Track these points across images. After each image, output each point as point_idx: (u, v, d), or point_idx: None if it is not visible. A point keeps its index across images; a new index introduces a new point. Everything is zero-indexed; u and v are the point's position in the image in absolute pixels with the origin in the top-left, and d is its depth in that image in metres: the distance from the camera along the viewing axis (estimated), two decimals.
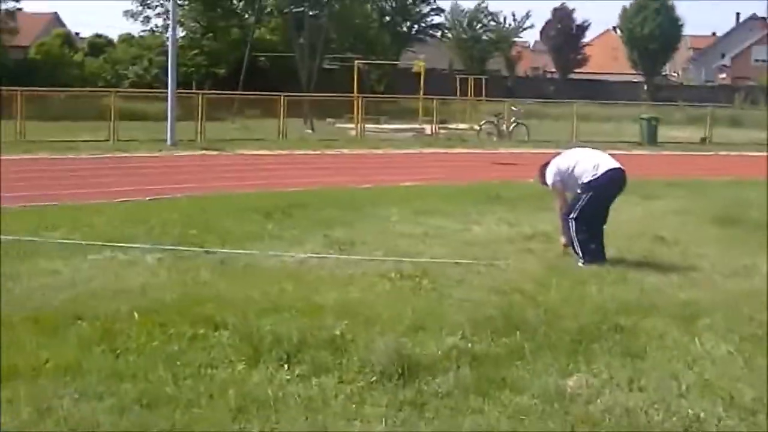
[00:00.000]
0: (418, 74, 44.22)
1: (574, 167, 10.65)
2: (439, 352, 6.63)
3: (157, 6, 61.13)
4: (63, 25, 79.32)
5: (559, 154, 11.18)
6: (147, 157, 26.66)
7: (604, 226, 10.73)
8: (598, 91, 63.70)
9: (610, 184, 10.61)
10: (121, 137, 31.17)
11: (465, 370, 6.27)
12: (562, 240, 10.88)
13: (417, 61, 51.17)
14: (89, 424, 5.27)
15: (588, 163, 10.64)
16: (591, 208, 10.51)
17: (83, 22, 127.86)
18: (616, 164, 10.73)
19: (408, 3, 72.10)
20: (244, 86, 47.72)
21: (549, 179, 10.91)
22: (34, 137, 29.73)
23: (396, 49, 69.06)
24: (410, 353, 6.51)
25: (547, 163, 11.03)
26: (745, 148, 34.78)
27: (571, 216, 10.53)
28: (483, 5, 77.26)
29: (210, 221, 13.10)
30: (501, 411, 5.59)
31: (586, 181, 10.50)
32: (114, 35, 66.69)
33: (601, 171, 10.52)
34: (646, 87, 73.22)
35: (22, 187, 17.94)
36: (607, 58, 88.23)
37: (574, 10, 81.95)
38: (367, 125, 38.32)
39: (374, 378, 6.11)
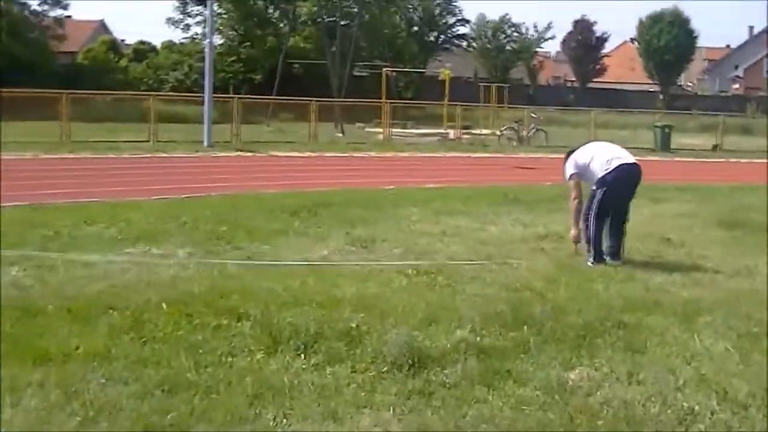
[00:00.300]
0: (444, 82, 44.15)
1: (591, 162, 10.59)
2: (449, 345, 6.62)
3: (197, 15, 61.56)
4: (109, 32, 79.72)
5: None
6: (184, 158, 26.79)
7: (627, 225, 10.65)
8: (616, 99, 63.42)
9: (624, 178, 10.48)
10: (161, 138, 31.34)
11: (472, 361, 6.26)
12: (572, 233, 10.81)
13: (443, 69, 51.06)
14: (113, 407, 5.29)
15: (603, 157, 10.56)
16: (607, 204, 10.43)
17: (128, 30, 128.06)
18: (630, 158, 10.64)
19: (435, 14, 72.09)
20: (279, 92, 47.80)
21: (566, 172, 10.86)
22: (79, 137, 29.93)
23: (423, 58, 69.11)
24: (421, 345, 6.51)
25: (570, 156, 10.98)
26: (754, 155, 34.52)
27: (588, 213, 10.47)
28: (507, 17, 77.18)
29: (240, 218, 13.13)
30: (504, 401, 5.58)
31: (600, 176, 10.45)
32: (157, 42, 67.02)
33: (614, 165, 10.45)
34: (661, 96, 72.88)
35: (65, 185, 18.08)
36: (624, 68, 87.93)
37: (595, 22, 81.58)
38: (393, 130, 38.39)
39: (385, 368, 6.10)
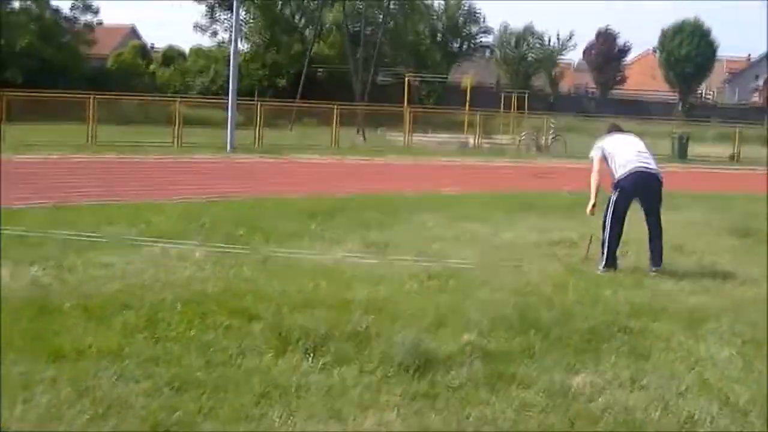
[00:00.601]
0: (466, 89, 44.11)
1: (615, 155, 10.56)
2: (455, 348, 6.62)
3: (224, 21, 61.79)
4: (139, 37, 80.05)
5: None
6: (207, 161, 26.87)
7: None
8: (636, 108, 63.16)
9: (639, 184, 10.42)
10: (186, 141, 31.47)
11: (477, 365, 6.26)
12: (589, 206, 10.69)
13: (465, 77, 51.11)
14: (123, 404, 5.31)
15: (624, 157, 10.50)
16: (621, 209, 10.40)
17: (159, 35, 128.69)
18: (648, 165, 10.52)
19: (459, 22, 71.97)
20: (302, 96, 47.85)
21: (593, 149, 10.84)
22: (105, 139, 30.09)
23: (446, 66, 68.99)
24: (428, 348, 6.51)
25: (606, 136, 10.94)
26: None
27: (606, 217, 10.45)
28: (530, 26, 76.98)
29: (258, 221, 13.15)
30: (507, 404, 5.58)
31: (616, 178, 10.43)
32: (186, 47, 67.25)
33: (629, 170, 10.40)
34: (681, 106, 72.53)
35: (87, 185, 18.18)
36: (645, 77, 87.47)
37: (618, 34, 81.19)
38: (414, 136, 38.38)
39: (392, 370, 6.11)
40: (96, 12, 58.82)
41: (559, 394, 5.77)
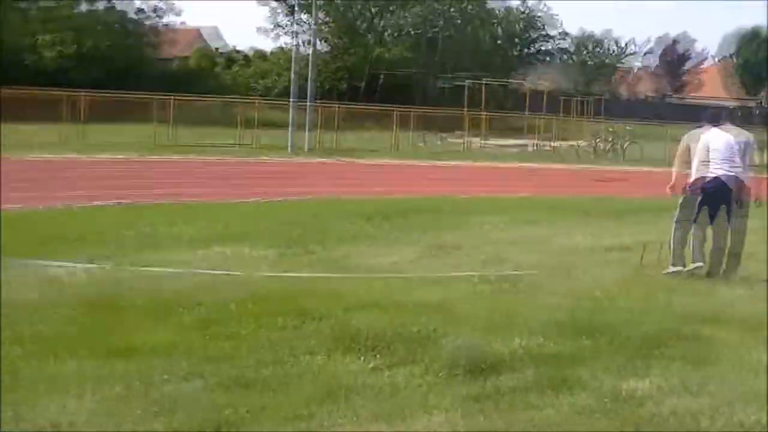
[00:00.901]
0: (525, 94, 43.91)
1: (705, 152, 10.24)
2: (508, 352, 6.54)
3: (288, 24, 62.10)
4: (204, 40, 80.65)
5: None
6: (270, 163, 27.04)
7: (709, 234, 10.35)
8: (699, 114, 62.11)
9: (713, 193, 10.17)
10: (248, 143, 31.67)
11: (529, 369, 6.16)
12: (669, 186, 10.59)
13: (527, 82, 50.92)
14: (170, 402, 5.28)
15: (711, 156, 10.19)
16: (696, 211, 10.19)
17: (224, 38, 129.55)
18: (728, 171, 10.16)
19: (519, 28, 71.68)
20: (366, 100, 47.88)
21: (684, 139, 10.70)
22: (166, 141, 30.42)
23: (506, 71, 68.72)
24: (481, 351, 6.42)
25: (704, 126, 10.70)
26: None
27: (675, 219, 10.30)
28: (590, 32, 76.47)
29: (316, 223, 13.20)
30: (557, 409, 5.48)
31: (693, 178, 10.25)
32: (250, 50, 67.63)
33: (711, 174, 10.14)
34: (752, 112, 71.32)
35: (156, 185, 18.40)
36: (714, 84, 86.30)
37: (679, 40, 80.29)
38: (474, 140, 38.28)
39: (444, 373, 6.05)
40: (161, 15, 59.55)
41: (610, 399, 5.66)
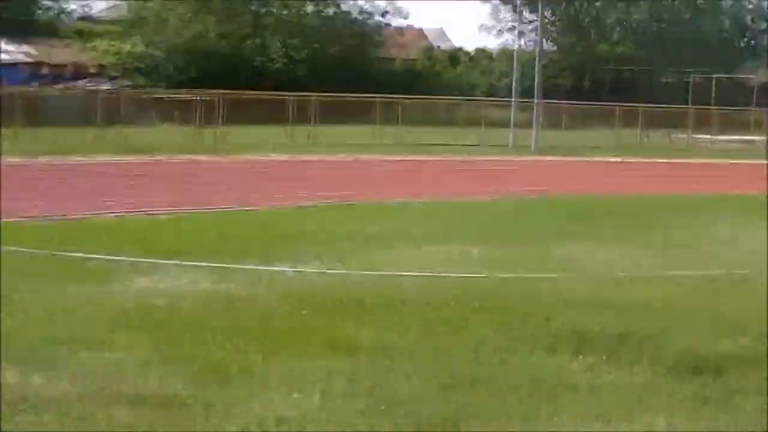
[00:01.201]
0: (753, 88, 42.16)
1: None
2: (728, 352, 6.40)
3: (508, 21, 61.79)
4: (426, 39, 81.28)
5: None
6: (486, 161, 27.14)
7: None
8: None
9: None
10: (467, 142, 31.71)
11: (750, 370, 6.00)
12: None
13: (756, 75, 48.85)
14: (392, 400, 5.35)
15: None
16: None
17: (450, 39, 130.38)
18: None
19: (747, 19, 68.81)
20: (590, 98, 47.04)
21: None
22: (391, 140, 30.90)
23: (732, 64, 66.09)
24: (701, 352, 6.34)
25: None
26: None
27: None
28: None
29: (528, 221, 13.30)
30: None
31: None
32: (471, 48, 67.65)
33: None
34: None
35: (326, 187, 18.77)
36: None
37: None
38: (698, 136, 37.11)
39: (662, 372, 5.98)
40: (406, 16, 60.56)
41: None
